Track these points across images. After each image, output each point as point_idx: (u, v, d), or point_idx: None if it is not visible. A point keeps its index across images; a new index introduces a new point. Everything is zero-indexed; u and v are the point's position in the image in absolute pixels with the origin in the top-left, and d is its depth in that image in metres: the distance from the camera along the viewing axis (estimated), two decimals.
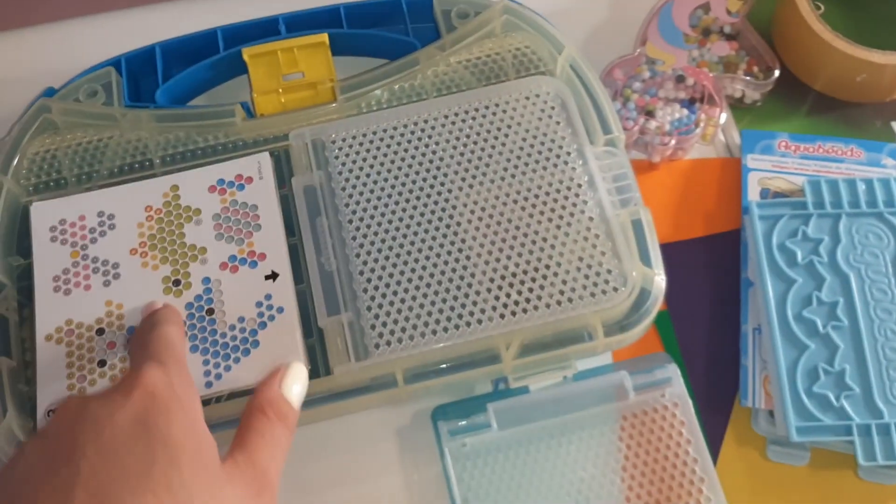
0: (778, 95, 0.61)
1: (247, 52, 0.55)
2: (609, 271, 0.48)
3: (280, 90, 0.55)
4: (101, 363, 0.45)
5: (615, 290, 0.47)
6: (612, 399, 0.50)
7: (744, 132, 0.58)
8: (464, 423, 0.49)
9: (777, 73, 0.58)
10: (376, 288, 0.48)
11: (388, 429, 0.52)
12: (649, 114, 0.57)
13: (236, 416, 0.43)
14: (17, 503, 0.33)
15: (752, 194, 0.56)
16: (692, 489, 0.48)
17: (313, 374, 0.47)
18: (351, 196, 0.50)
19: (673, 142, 0.56)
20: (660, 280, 0.48)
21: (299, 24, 0.57)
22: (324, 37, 0.55)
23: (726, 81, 0.59)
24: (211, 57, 0.56)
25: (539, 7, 0.56)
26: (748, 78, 0.59)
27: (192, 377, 0.40)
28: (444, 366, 0.47)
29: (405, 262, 0.48)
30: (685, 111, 0.57)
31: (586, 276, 0.48)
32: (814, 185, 0.54)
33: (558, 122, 0.51)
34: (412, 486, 0.51)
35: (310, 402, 0.46)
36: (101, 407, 0.36)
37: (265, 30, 0.57)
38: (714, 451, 0.50)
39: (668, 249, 0.54)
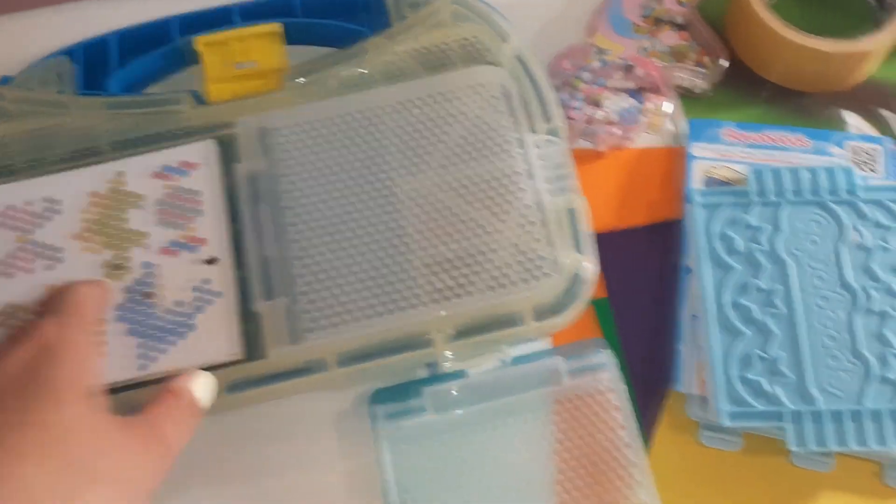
0: (729, 86, 0.61)
1: (200, 41, 0.56)
2: (542, 258, 0.49)
3: (232, 79, 0.56)
4: None
5: (547, 276, 0.48)
6: (546, 384, 0.51)
7: (690, 121, 0.59)
8: (399, 406, 0.50)
9: (726, 63, 0.59)
10: (313, 273, 0.49)
11: (329, 414, 0.53)
12: (596, 103, 0.57)
13: None
14: None
15: (696, 183, 0.56)
16: (623, 474, 0.48)
17: (249, 357, 0.48)
18: (293, 183, 0.51)
19: (618, 131, 0.56)
20: (590, 267, 0.48)
21: (253, 13, 0.58)
22: (277, 26, 0.56)
23: (676, 72, 0.59)
24: (164, 46, 0.56)
25: None
26: (698, 68, 0.59)
27: (94, 333, 0.42)
28: (376, 350, 0.48)
29: (343, 248, 0.49)
30: (632, 101, 0.58)
31: (519, 263, 0.48)
32: (757, 173, 0.55)
33: (500, 112, 0.52)
34: (350, 471, 0.51)
35: (244, 384, 0.47)
36: None
37: (219, 19, 0.57)
38: (648, 435, 0.51)
39: (610, 237, 0.55)
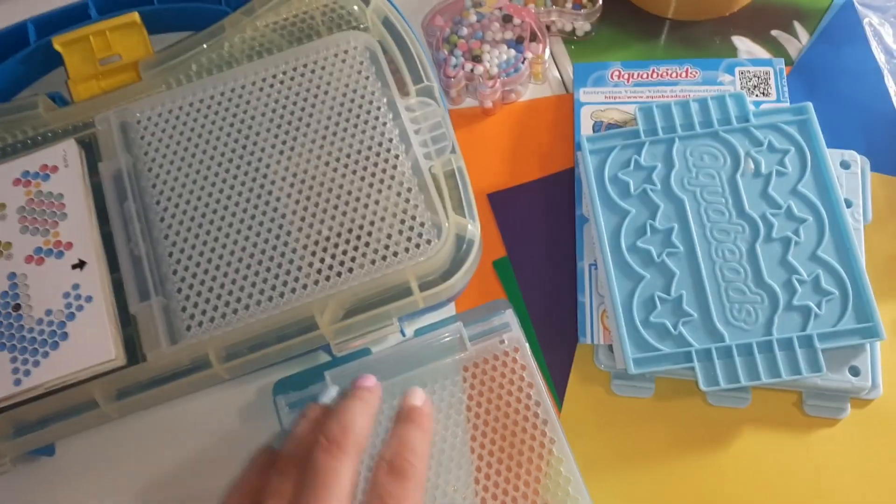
0: (614, 24, 0.59)
1: (57, 41, 0.54)
2: (422, 224, 0.47)
3: (98, 75, 0.54)
4: None
5: (429, 242, 0.46)
6: (453, 351, 0.49)
7: (576, 66, 0.57)
8: (302, 394, 0.48)
9: (598, 1, 0.57)
10: (186, 269, 0.47)
11: (233, 408, 0.51)
12: (476, 58, 0.55)
13: (54, 413, 0.43)
14: None
15: (585, 129, 0.54)
16: (535, 433, 0.47)
17: (130, 361, 0.46)
18: (158, 176, 0.49)
19: (499, 84, 0.54)
20: (473, 227, 0.47)
21: (110, 5, 0.55)
22: (134, 16, 0.54)
23: (555, 16, 0.57)
24: (22, 50, 0.54)
25: None
26: (576, 9, 0.57)
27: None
28: (263, 340, 0.46)
29: (216, 239, 0.47)
30: (512, 52, 0.56)
31: (400, 232, 0.47)
32: (645, 111, 0.53)
33: (367, 77, 0.50)
34: None
35: (129, 391, 0.45)
36: None
37: (75, 16, 0.55)
38: (560, 390, 0.50)
39: (505, 195, 0.54)
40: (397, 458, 0.40)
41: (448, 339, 0.49)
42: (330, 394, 0.45)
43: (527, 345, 0.48)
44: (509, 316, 0.49)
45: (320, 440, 0.39)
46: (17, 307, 0.45)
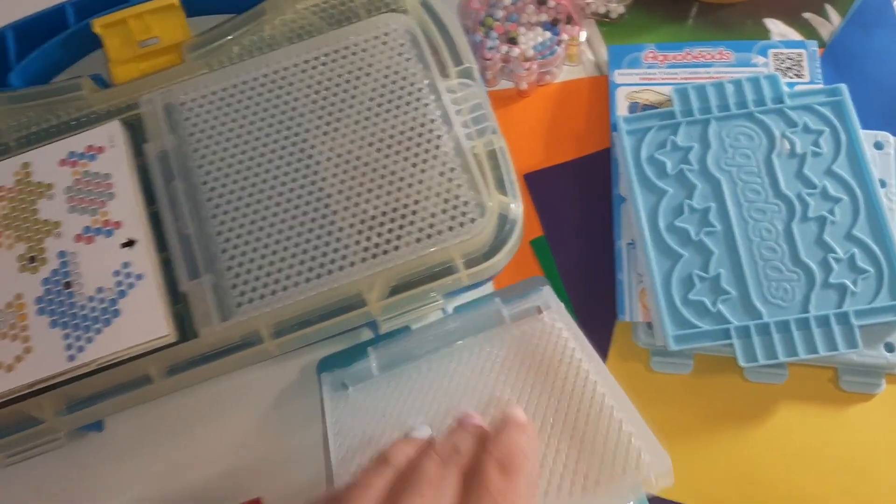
0: (647, 6, 0.60)
1: (98, 24, 0.54)
2: (466, 203, 0.47)
3: (137, 58, 0.54)
4: None
5: (472, 221, 0.47)
6: (492, 326, 0.49)
7: (610, 48, 0.57)
8: (345, 372, 0.49)
9: None
10: (235, 247, 0.47)
11: (275, 386, 0.52)
12: (512, 41, 0.56)
13: (107, 389, 0.44)
14: None
15: (621, 110, 0.55)
16: (585, 391, 0.46)
17: (182, 338, 0.46)
18: (204, 157, 0.49)
19: (535, 66, 0.55)
20: (516, 207, 0.47)
21: None
22: None
23: None
24: (62, 33, 0.54)
25: None
26: None
27: None
28: (311, 316, 0.46)
29: (264, 218, 0.48)
30: (548, 34, 0.56)
31: (444, 211, 0.47)
32: (681, 92, 0.54)
33: (409, 59, 0.51)
34: (302, 443, 0.50)
35: (180, 367, 0.46)
36: None
37: None
38: None
39: (542, 175, 0.54)
40: (508, 456, 0.36)
41: (487, 315, 0.49)
42: (422, 432, 0.42)
43: (565, 309, 0.48)
44: (547, 292, 0.50)
45: (428, 451, 0.37)
46: (69, 285, 0.46)
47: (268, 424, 0.51)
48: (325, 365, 0.50)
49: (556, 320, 0.48)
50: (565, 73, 0.58)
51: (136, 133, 0.51)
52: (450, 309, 0.50)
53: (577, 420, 0.42)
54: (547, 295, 0.49)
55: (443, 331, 0.49)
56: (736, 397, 0.50)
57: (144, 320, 0.45)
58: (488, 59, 0.55)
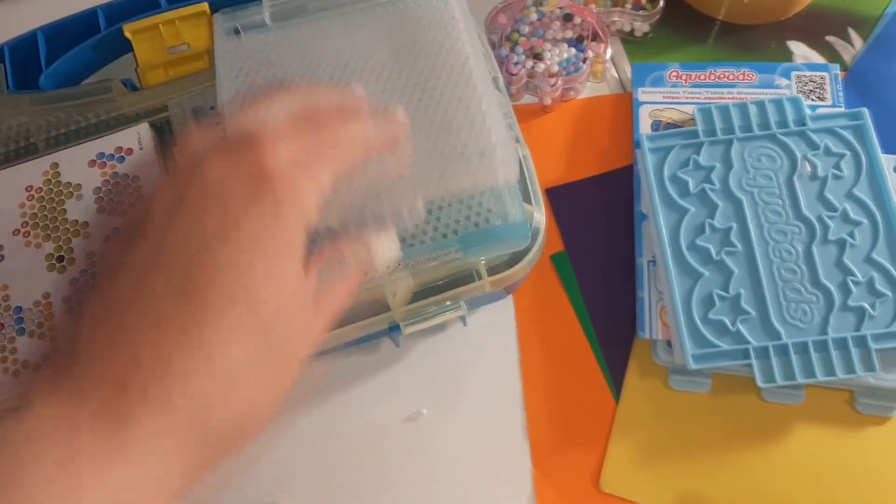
0: (672, 26, 0.60)
1: (128, 29, 0.55)
2: (489, 210, 0.48)
3: (166, 64, 0.55)
4: None
5: None
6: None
7: (634, 66, 0.58)
8: (238, 14, 0.51)
9: (662, 2, 0.58)
10: None
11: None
12: (537, 56, 0.57)
13: None
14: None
15: (644, 128, 0.56)
16: (460, 77, 0.46)
17: None
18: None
19: (560, 82, 0.55)
20: (539, 217, 0.48)
21: None
22: (204, 6, 0.55)
23: (615, 16, 0.58)
24: (93, 37, 0.55)
25: None
26: (636, 11, 0.58)
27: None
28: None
29: None
30: (573, 50, 0.57)
31: (468, 218, 0.47)
32: (704, 112, 0.54)
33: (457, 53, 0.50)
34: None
35: None
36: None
37: (146, 4, 0.56)
38: (617, 384, 0.51)
39: (563, 190, 0.55)
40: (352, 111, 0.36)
41: None
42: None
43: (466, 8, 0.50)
44: None
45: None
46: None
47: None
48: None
49: (454, 10, 0.48)
50: (589, 90, 0.58)
51: (165, 136, 0.51)
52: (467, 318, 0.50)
53: (443, 103, 0.44)
54: None
55: None
56: (752, 417, 0.50)
57: None
58: (514, 74, 0.56)
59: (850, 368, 0.47)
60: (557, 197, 0.55)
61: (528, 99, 0.58)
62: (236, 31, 0.48)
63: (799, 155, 0.52)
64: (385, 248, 0.39)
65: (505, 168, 0.43)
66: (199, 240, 0.31)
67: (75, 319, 0.32)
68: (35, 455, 0.27)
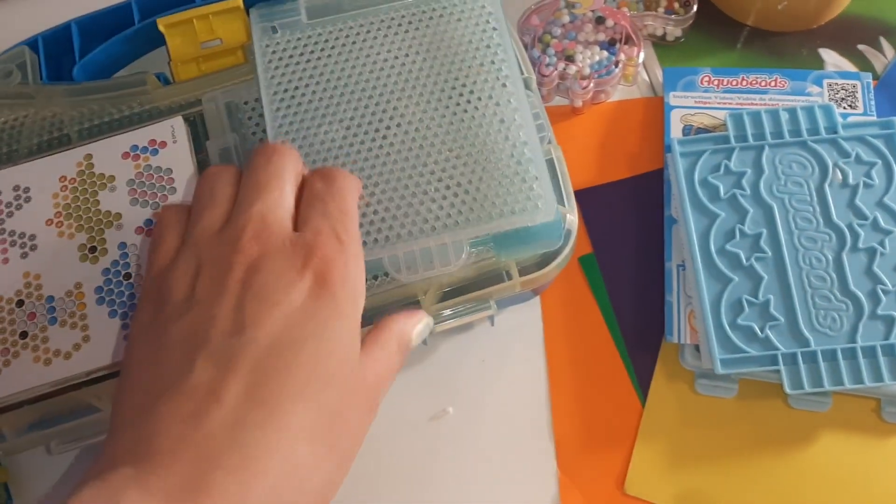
0: (704, 31, 0.60)
1: (162, 23, 0.55)
2: (523, 210, 0.48)
3: (199, 58, 0.55)
4: (23, 335, 0.46)
5: None
6: None
7: (666, 70, 0.58)
8: (275, 10, 0.52)
9: (695, 7, 0.58)
10: None
11: None
12: (569, 58, 0.57)
13: None
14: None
15: (675, 132, 0.56)
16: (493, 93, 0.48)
17: None
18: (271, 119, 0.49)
19: (592, 85, 0.55)
20: (572, 218, 0.48)
21: None
22: (238, 1, 0.55)
23: (648, 20, 0.58)
24: (126, 30, 0.55)
25: None
26: (668, 15, 0.58)
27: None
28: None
29: None
30: (605, 53, 0.57)
31: (500, 216, 0.47)
32: (736, 117, 0.54)
33: (488, 49, 0.50)
34: None
35: None
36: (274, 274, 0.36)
37: None
38: (644, 387, 0.51)
39: (593, 193, 0.55)
40: (327, 171, 0.40)
41: None
42: None
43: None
44: None
45: (256, 159, 0.40)
46: (129, 276, 0.47)
47: None
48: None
49: (489, 10, 0.50)
50: (620, 93, 0.58)
51: (198, 130, 0.51)
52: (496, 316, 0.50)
53: (477, 117, 0.47)
54: None
55: None
56: (779, 423, 0.50)
57: None
58: (545, 76, 0.56)
59: (878, 377, 0.47)
60: (586, 199, 0.55)
61: (559, 101, 0.58)
62: (273, 29, 0.48)
63: (830, 162, 0.52)
64: (422, 326, 0.44)
65: (544, 202, 0.44)
66: (266, 346, 0.34)
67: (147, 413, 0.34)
68: None
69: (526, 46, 0.57)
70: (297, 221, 0.39)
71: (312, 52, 0.49)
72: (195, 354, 0.34)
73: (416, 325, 0.43)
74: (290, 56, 0.49)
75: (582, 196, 0.55)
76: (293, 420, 0.33)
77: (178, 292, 0.37)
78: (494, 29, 0.50)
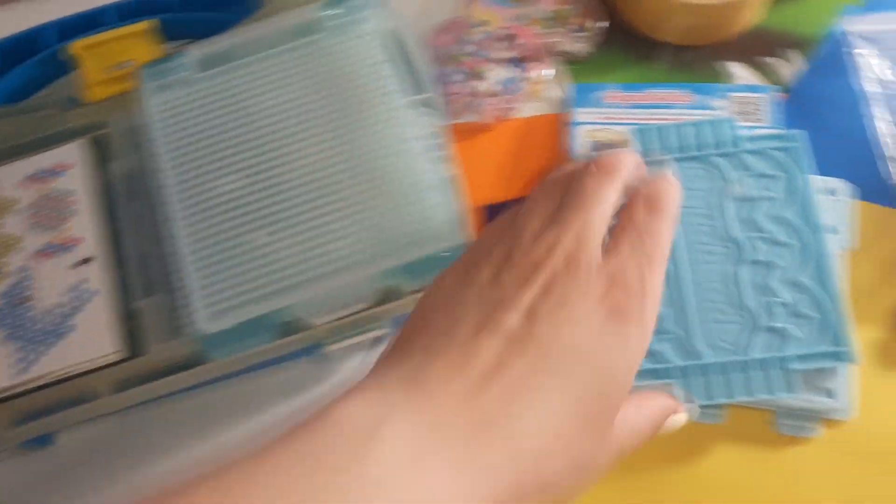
0: (614, 48, 0.61)
1: (74, 46, 0.56)
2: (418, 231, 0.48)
3: (112, 81, 0.56)
4: None
5: None
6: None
7: (572, 86, 0.59)
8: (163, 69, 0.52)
9: (604, 24, 0.59)
10: (192, 266, 0.48)
11: (231, 405, 0.53)
12: (479, 76, 0.57)
13: (56, 403, 0.46)
14: None
15: (581, 148, 0.56)
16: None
17: (132, 355, 0.48)
18: (167, 178, 0.50)
19: (500, 101, 0.56)
20: (465, 235, 0.48)
21: (131, 11, 0.58)
22: (152, 23, 0.56)
23: (556, 37, 0.59)
24: (39, 54, 0.56)
25: None
26: (578, 32, 0.59)
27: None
28: None
29: (226, 238, 0.48)
30: (516, 70, 0.57)
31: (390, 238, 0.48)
32: (641, 132, 0.54)
33: (382, 77, 0.51)
34: None
35: (129, 383, 0.48)
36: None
37: (96, 21, 0.57)
38: None
39: (500, 210, 0.55)
40: (655, 196, 0.38)
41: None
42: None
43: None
44: None
45: (588, 166, 0.38)
46: (26, 299, 0.48)
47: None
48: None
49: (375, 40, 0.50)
50: (531, 109, 0.59)
51: (104, 152, 0.52)
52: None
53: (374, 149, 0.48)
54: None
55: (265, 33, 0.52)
56: (673, 435, 0.50)
57: (98, 336, 0.47)
58: (455, 94, 0.56)
59: (769, 390, 0.48)
60: (494, 215, 0.55)
61: (467, 118, 0.58)
62: (162, 87, 0.49)
63: (730, 176, 0.53)
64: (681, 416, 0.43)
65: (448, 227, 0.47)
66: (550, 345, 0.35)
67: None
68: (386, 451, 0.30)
69: (436, 64, 0.58)
70: (609, 240, 0.38)
71: (203, 105, 0.50)
72: (490, 327, 0.35)
73: (680, 412, 0.43)
74: (181, 112, 0.50)
75: (493, 211, 0.56)
76: (562, 409, 0.34)
77: (488, 271, 0.38)
78: (385, 59, 0.51)
